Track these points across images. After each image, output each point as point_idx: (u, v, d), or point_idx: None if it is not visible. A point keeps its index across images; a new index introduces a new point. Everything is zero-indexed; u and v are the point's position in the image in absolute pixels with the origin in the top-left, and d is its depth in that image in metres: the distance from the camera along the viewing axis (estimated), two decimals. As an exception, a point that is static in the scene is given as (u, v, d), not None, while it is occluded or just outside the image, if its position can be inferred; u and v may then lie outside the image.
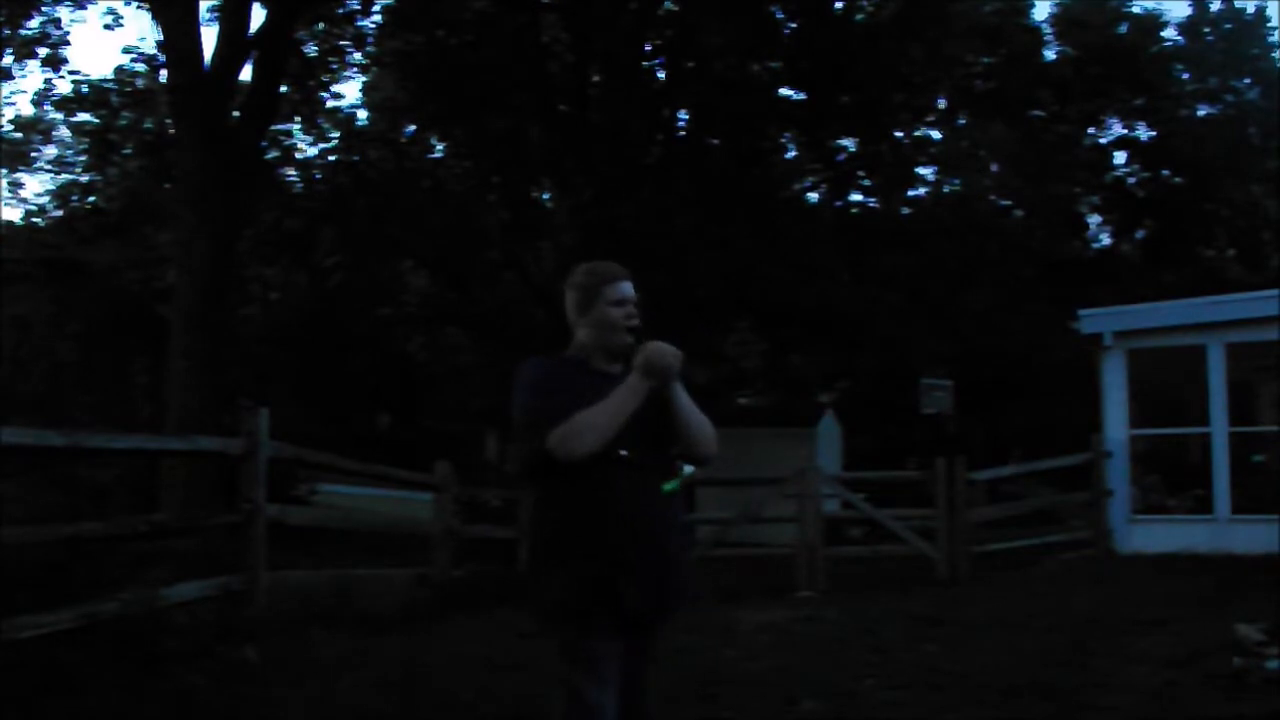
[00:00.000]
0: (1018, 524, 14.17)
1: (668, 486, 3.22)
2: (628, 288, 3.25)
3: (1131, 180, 31.12)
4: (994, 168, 30.68)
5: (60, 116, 24.59)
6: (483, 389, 26.06)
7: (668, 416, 3.22)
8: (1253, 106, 29.28)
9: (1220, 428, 11.99)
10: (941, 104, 25.47)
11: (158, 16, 14.83)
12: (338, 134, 23.42)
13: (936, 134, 26.77)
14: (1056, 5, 30.62)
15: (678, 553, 3.24)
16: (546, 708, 3.27)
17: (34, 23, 19.26)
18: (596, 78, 20.18)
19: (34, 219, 26.07)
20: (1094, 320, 12.73)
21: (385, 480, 12.65)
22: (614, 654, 3.15)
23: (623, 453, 3.10)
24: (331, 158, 22.91)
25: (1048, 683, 5.88)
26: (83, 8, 19.53)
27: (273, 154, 21.06)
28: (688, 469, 3.41)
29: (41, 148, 28.20)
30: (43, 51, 19.91)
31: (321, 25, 19.81)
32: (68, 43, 20.03)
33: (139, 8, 18.90)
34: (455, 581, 10.02)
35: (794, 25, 19.88)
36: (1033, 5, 29.07)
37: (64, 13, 19.42)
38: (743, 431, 16.53)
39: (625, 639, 3.17)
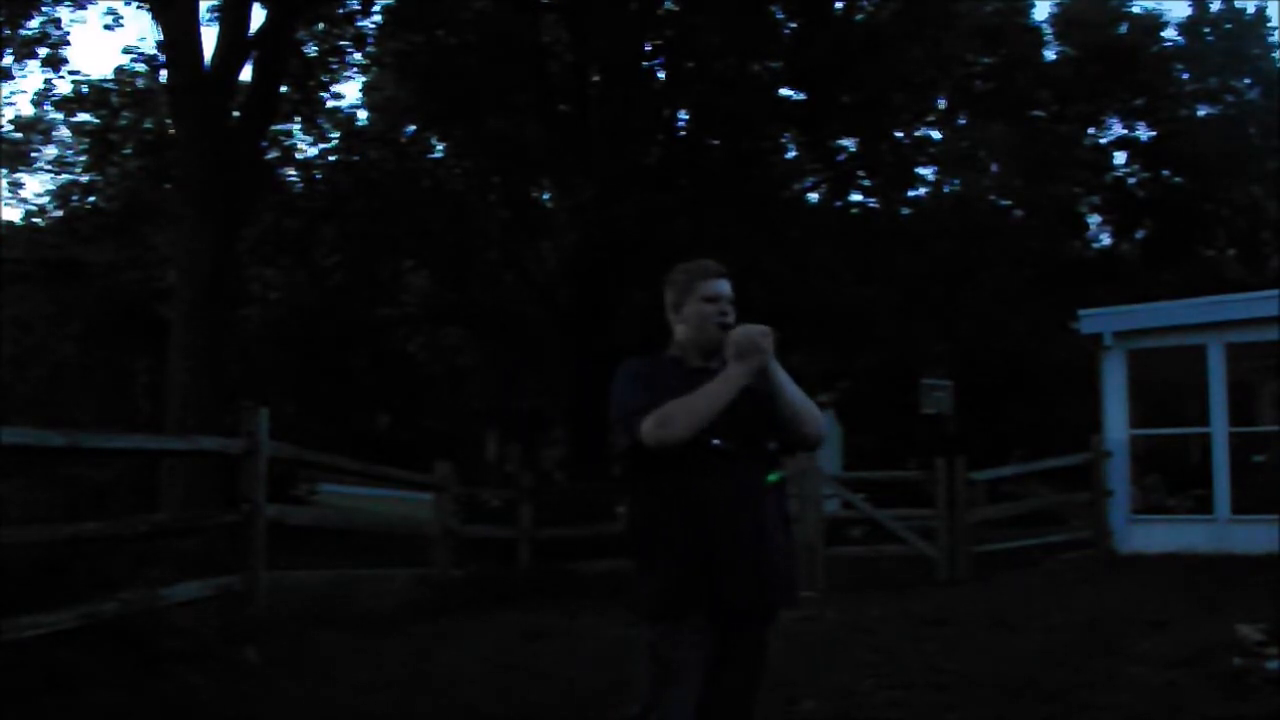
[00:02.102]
0: (1018, 524, 14.18)
1: (771, 478, 3.19)
2: (721, 285, 3.29)
3: (1131, 180, 31.10)
4: (994, 168, 30.65)
5: (60, 116, 24.55)
6: (483, 389, 26.08)
7: (767, 404, 3.18)
8: (1253, 106, 29.25)
9: (1220, 428, 11.99)
10: (941, 104, 25.44)
11: (158, 16, 14.80)
12: (338, 134, 23.39)
13: (936, 134, 26.73)
14: (1056, 5, 30.61)
15: (776, 547, 3.16)
16: (632, 702, 3.25)
17: (34, 23, 19.21)
18: (596, 78, 20.16)
19: (34, 219, 26.02)
20: (1094, 320, 12.73)
21: (385, 480, 12.67)
22: (701, 654, 3.09)
23: (715, 442, 3.08)
24: (331, 158, 22.88)
25: (1048, 683, 5.88)
26: (83, 8, 19.48)
27: (273, 154, 21.02)
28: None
29: (41, 148, 28.19)
30: (43, 51, 19.85)
31: (321, 25, 19.78)
32: (68, 43, 19.96)
33: (139, 8, 18.85)
34: (455, 581, 10.02)
35: (794, 25, 19.87)
36: (1033, 5, 29.11)
37: (64, 13, 19.36)
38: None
39: (721, 639, 3.11)
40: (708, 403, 3.05)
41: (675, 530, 3.09)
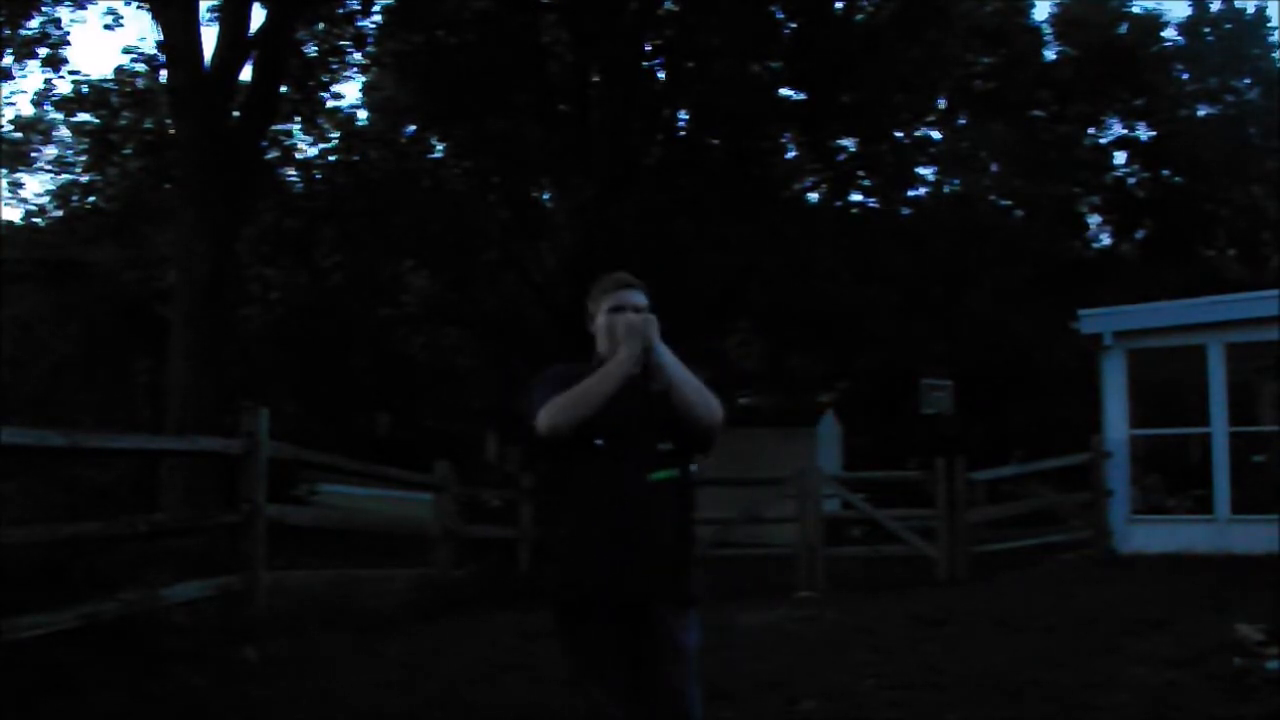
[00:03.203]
0: (1018, 524, 14.18)
1: (659, 476, 3.25)
2: (630, 296, 3.41)
3: (1131, 180, 31.11)
4: (994, 168, 30.66)
5: (60, 116, 24.57)
6: (483, 389, 26.06)
7: (657, 402, 3.25)
8: (1253, 106, 29.26)
9: (1220, 428, 11.99)
10: (941, 104, 25.44)
11: (158, 16, 14.80)
12: (338, 134, 23.40)
13: (936, 134, 26.76)
14: (1056, 5, 30.64)
15: (659, 543, 3.23)
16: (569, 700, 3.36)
17: (34, 23, 19.20)
18: (596, 78, 20.16)
19: (34, 219, 26.05)
20: (1094, 320, 12.73)
21: (385, 480, 12.65)
22: (608, 648, 3.20)
23: (598, 442, 3.20)
24: (331, 158, 22.89)
25: (1048, 683, 5.88)
26: (83, 8, 19.46)
27: (273, 154, 21.02)
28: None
29: (41, 148, 28.18)
30: (43, 51, 19.84)
31: (321, 25, 19.78)
32: (68, 43, 19.95)
33: (139, 8, 18.84)
34: (455, 581, 10.02)
35: (794, 25, 19.86)
36: (1033, 5, 29.15)
37: (64, 13, 19.34)
38: (743, 432, 16.52)
39: (622, 630, 3.20)
40: (588, 391, 3.18)
41: (562, 528, 3.27)
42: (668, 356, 3.26)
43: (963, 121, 28.18)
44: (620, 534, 3.18)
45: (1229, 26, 30.46)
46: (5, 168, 26.86)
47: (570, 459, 3.24)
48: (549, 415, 3.16)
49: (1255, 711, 5.22)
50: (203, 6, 14.84)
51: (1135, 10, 30.58)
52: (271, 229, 21.30)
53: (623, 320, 3.30)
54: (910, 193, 26.84)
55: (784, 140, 22.33)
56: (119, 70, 21.94)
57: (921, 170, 26.47)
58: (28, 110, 27.97)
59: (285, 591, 7.42)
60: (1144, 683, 5.83)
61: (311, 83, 20.81)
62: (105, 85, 22.02)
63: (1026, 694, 5.68)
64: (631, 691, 3.22)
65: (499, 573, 11.25)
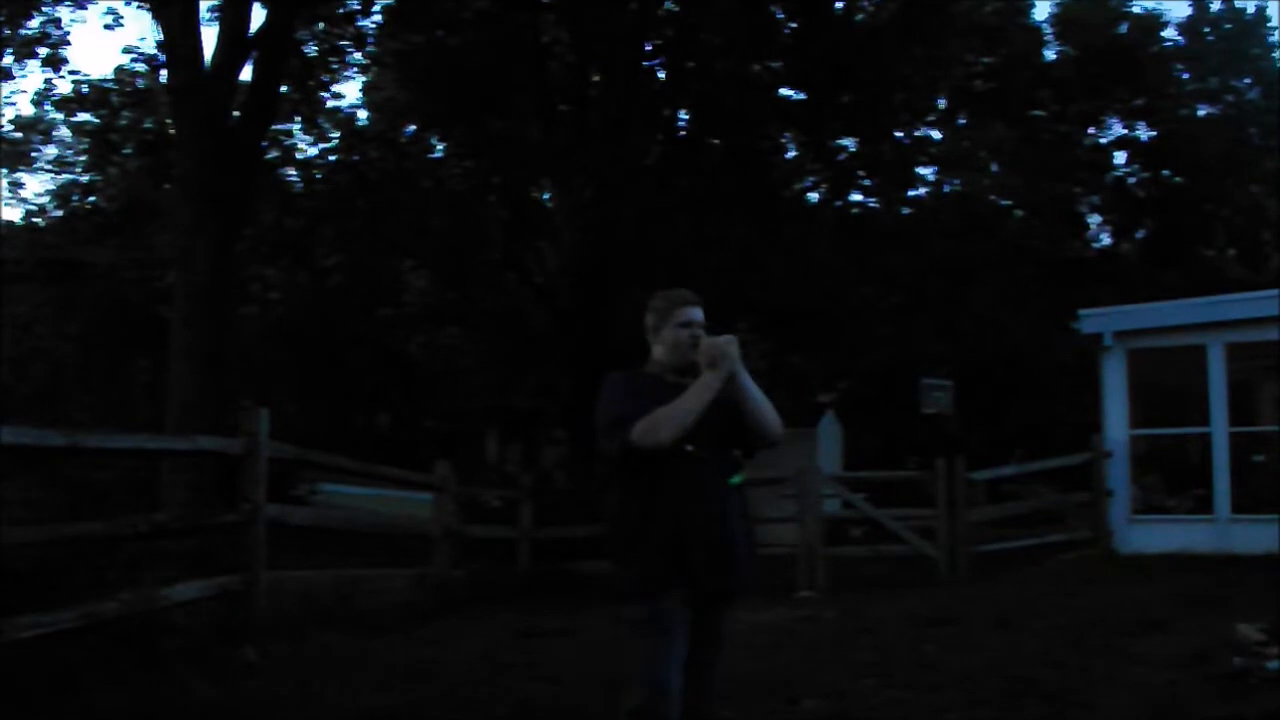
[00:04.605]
0: (1018, 524, 14.18)
1: (734, 480, 3.66)
2: (695, 313, 3.73)
3: (1131, 180, 31.09)
4: (994, 168, 30.65)
5: (60, 116, 24.59)
6: (483, 389, 26.07)
7: (733, 411, 3.62)
8: (1253, 106, 29.24)
9: (1220, 428, 11.98)
10: (941, 104, 25.43)
11: (158, 16, 14.81)
12: (338, 134, 23.39)
13: (936, 134, 26.75)
14: (1056, 5, 30.60)
15: (739, 538, 3.64)
16: (620, 676, 3.78)
17: (34, 23, 19.21)
18: (596, 78, 20.15)
19: (34, 219, 26.06)
20: (1094, 320, 12.73)
21: (385, 480, 12.65)
22: (681, 628, 3.57)
23: (689, 448, 3.52)
24: (331, 158, 22.88)
25: (1048, 683, 5.88)
26: (83, 8, 19.46)
27: (273, 154, 21.02)
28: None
29: (41, 148, 28.18)
30: (43, 51, 19.86)
31: (321, 25, 19.78)
32: (68, 43, 19.95)
33: (139, 8, 18.87)
34: (455, 581, 10.03)
35: (794, 25, 19.85)
36: (1033, 5, 29.10)
37: (64, 13, 19.35)
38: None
39: (692, 616, 3.59)
40: (689, 407, 3.51)
41: (655, 525, 3.57)
42: (747, 379, 3.63)
43: (963, 121, 28.17)
44: (715, 533, 3.57)
45: (1229, 26, 30.44)
46: (5, 168, 26.87)
47: (659, 464, 3.52)
48: (650, 431, 3.46)
49: (1255, 711, 5.22)
50: (203, 6, 14.85)
51: (1135, 10, 30.55)
52: (271, 229, 21.29)
53: (709, 344, 3.59)
54: (910, 193, 26.83)
55: (784, 140, 22.32)
56: (119, 70, 21.98)
57: (921, 170, 26.47)
58: (28, 110, 27.98)
59: (285, 591, 7.42)
60: (1144, 683, 5.83)
61: (311, 83, 20.81)
62: (105, 85, 22.04)
63: (1027, 694, 5.68)
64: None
65: (499, 573, 11.27)
